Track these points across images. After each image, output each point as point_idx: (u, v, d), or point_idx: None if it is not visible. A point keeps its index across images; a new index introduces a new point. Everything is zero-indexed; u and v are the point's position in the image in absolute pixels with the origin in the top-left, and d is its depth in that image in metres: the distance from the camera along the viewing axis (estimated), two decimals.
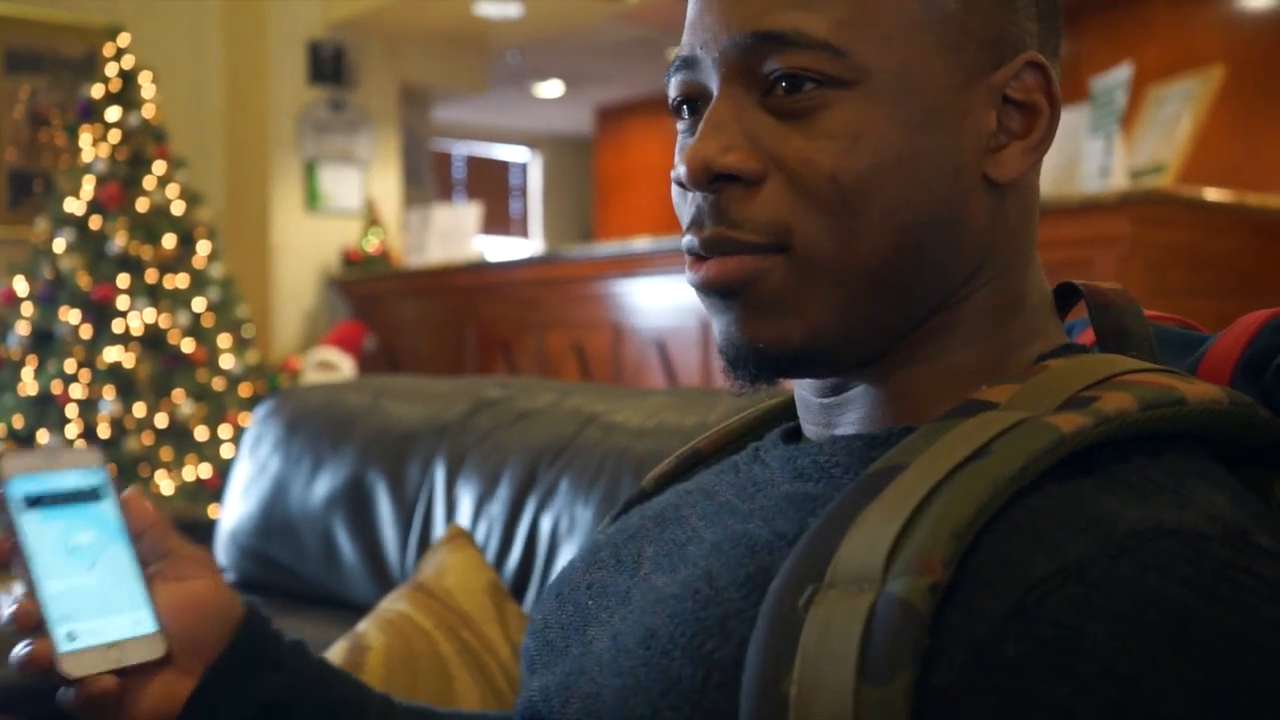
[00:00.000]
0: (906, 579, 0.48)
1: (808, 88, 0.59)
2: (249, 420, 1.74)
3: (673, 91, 0.66)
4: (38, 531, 0.65)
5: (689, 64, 0.64)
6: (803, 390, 0.69)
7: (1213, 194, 3.01)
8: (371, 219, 6.07)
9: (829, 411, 0.67)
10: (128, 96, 4.61)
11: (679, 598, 0.59)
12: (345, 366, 5.15)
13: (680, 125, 0.67)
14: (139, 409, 4.32)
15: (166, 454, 4.37)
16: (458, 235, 5.85)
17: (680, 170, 0.62)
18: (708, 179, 0.61)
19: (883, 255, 0.60)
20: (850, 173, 0.59)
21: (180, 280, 4.55)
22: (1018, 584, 0.48)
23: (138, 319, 4.39)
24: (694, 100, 0.65)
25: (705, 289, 0.63)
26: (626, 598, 0.66)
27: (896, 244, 0.60)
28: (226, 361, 4.60)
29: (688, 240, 0.64)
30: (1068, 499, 0.51)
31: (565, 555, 1.30)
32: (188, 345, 4.49)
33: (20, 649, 0.65)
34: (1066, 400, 0.55)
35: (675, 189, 0.66)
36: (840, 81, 0.59)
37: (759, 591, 0.55)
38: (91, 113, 4.57)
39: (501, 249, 9.13)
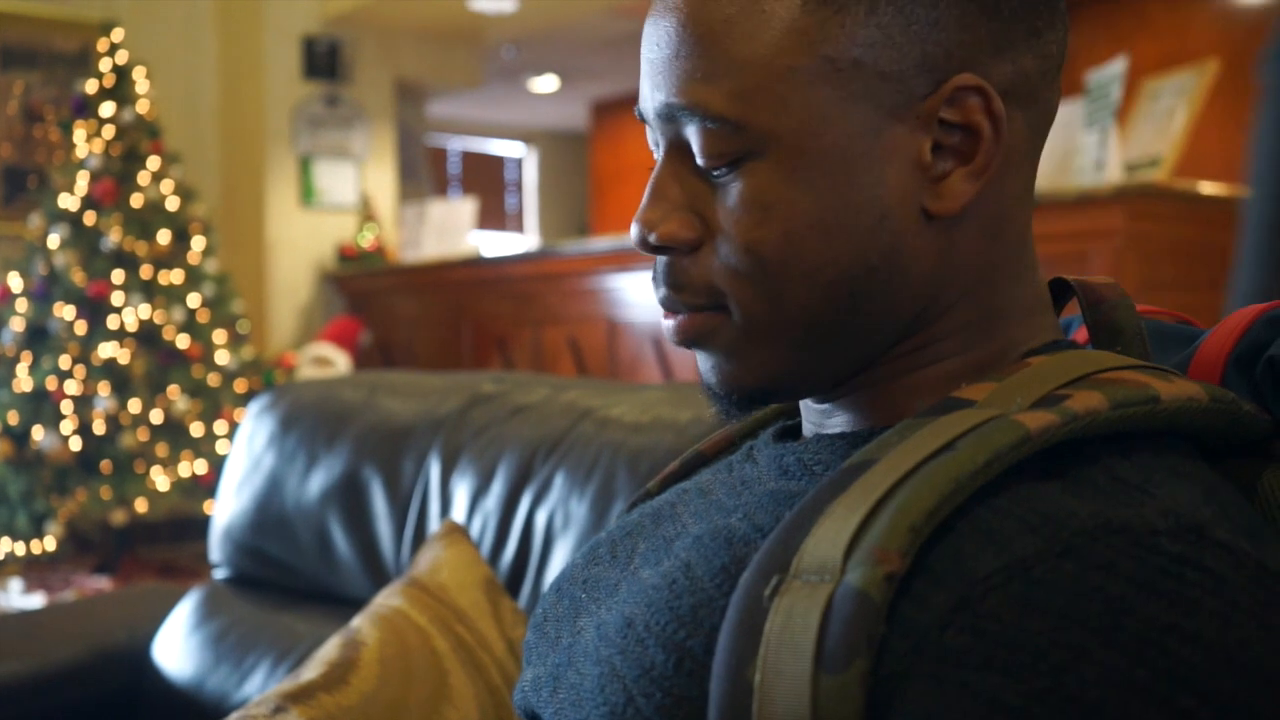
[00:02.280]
0: (864, 569, 0.49)
1: (720, 169, 0.61)
2: (243, 416, 1.74)
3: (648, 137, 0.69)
4: None
5: (642, 114, 0.66)
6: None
7: (1207, 187, 3.01)
8: (367, 214, 6.06)
9: (824, 413, 0.68)
10: (122, 92, 4.60)
11: (658, 588, 0.61)
12: (340, 362, 5.14)
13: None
14: (134, 405, 4.32)
15: (162, 450, 4.37)
16: (453, 230, 5.84)
17: (631, 233, 0.65)
18: (647, 248, 0.64)
19: (812, 311, 0.61)
20: (764, 244, 0.60)
21: (175, 276, 4.54)
22: (964, 579, 0.49)
23: (132, 315, 4.38)
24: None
25: (673, 342, 0.67)
26: (615, 589, 0.68)
27: (823, 298, 0.61)
28: (222, 357, 4.60)
29: (654, 289, 0.67)
30: (1028, 499, 0.52)
31: (560, 550, 1.30)
32: (183, 341, 4.48)
33: None
34: (1039, 399, 0.56)
35: None
36: (747, 154, 0.60)
37: (732, 582, 0.57)
38: (85, 108, 4.57)
39: (497, 244, 9.13)
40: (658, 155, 0.65)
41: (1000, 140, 0.60)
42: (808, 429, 0.69)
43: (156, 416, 4.37)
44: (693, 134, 0.61)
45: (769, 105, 0.59)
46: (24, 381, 4.33)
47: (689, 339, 0.65)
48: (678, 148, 0.63)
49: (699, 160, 0.62)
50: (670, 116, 0.62)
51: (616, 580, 0.68)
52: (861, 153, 0.59)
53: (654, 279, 0.66)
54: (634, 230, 0.64)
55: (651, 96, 0.63)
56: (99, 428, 4.27)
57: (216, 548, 1.70)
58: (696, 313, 0.64)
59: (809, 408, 0.69)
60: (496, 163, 10.26)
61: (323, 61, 6.01)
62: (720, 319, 0.63)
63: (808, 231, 0.60)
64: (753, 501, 0.64)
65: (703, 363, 0.66)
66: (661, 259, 0.64)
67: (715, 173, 0.61)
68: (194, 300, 4.56)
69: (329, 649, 1.20)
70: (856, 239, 0.60)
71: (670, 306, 0.65)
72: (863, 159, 0.59)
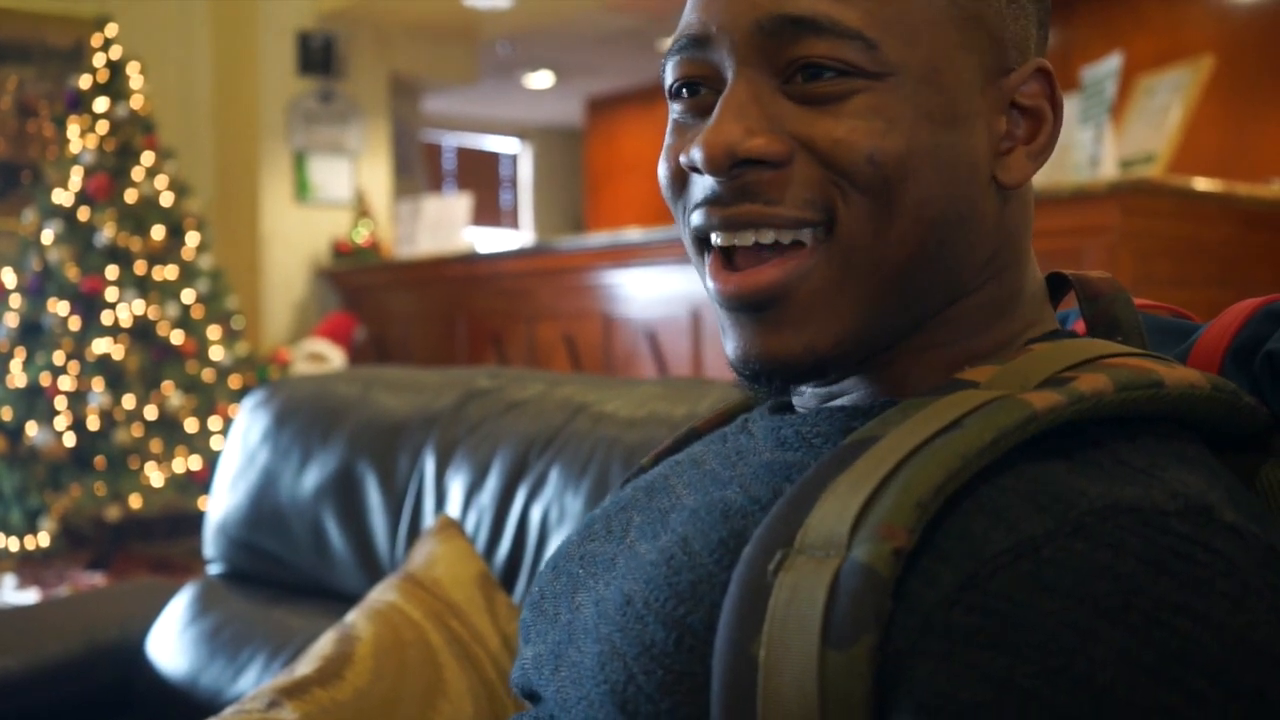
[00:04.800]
0: (870, 545, 0.49)
1: (833, 75, 0.59)
2: (238, 411, 1.73)
3: (675, 72, 0.65)
4: None
5: (699, 43, 0.63)
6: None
7: (1202, 184, 3.01)
8: (361, 210, 6.05)
9: (820, 396, 0.68)
10: (116, 87, 4.59)
11: (655, 563, 0.60)
12: (335, 358, 5.14)
13: (677, 107, 0.66)
14: (128, 401, 4.31)
15: (156, 446, 4.36)
16: (448, 226, 5.84)
17: (696, 155, 0.60)
18: (730, 164, 0.60)
19: (909, 249, 0.60)
20: (887, 153, 0.59)
21: (169, 271, 4.54)
22: (972, 557, 0.49)
23: (126, 310, 4.38)
24: (697, 83, 0.64)
25: (740, 298, 0.62)
26: (612, 564, 0.67)
27: (922, 239, 0.60)
28: (216, 353, 4.59)
29: (701, 218, 0.63)
30: (1036, 478, 0.52)
31: (555, 545, 1.29)
32: (177, 337, 4.48)
33: None
34: (1044, 380, 0.56)
35: (667, 172, 0.65)
36: (868, 73, 0.59)
37: (731, 556, 0.56)
38: (79, 104, 4.56)
39: (492, 240, 9.12)
40: (728, 71, 0.61)
41: (1057, 128, 0.64)
42: (801, 407, 0.69)
43: (151, 412, 4.36)
44: (807, 49, 0.59)
45: (903, 33, 0.59)
46: (18, 377, 4.32)
47: (774, 287, 0.60)
48: (762, 67, 0.60)
49: (810, 72, 0.59)
50: (777, 30, 0.59)
51: (613, 555, 0.68)
52: (965, 102, 0.61)
53: (712, 199, 0.62)
54: (701, 152, 0.60)
55: (750, 8, 0.60)
56: (93, 423, 4.27)
57: (211, 543, 1.69)
58: (787, 252, 0.60)
59: (804, 391, 0.68)
60: (491, 159, 10.25)
61: (317, 57, 6.00)
62: (814, 256, 0.60)
63: (925, 157, 0.59)
64: (749, 473, 0.63)
65: (756, 336, 0.62)
66: (725, 182, 0.60)
67: (820, 87, 0.59)
68: (188, 296, 4.55)
69: (324, 644, 1.20)
70: (956, 182, 0.61)
71: (749, 224, 0.61)
72: (965, 108, 0.61)
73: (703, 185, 0.62)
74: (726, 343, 0.64)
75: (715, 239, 0.63)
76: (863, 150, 0.58)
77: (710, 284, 0.63)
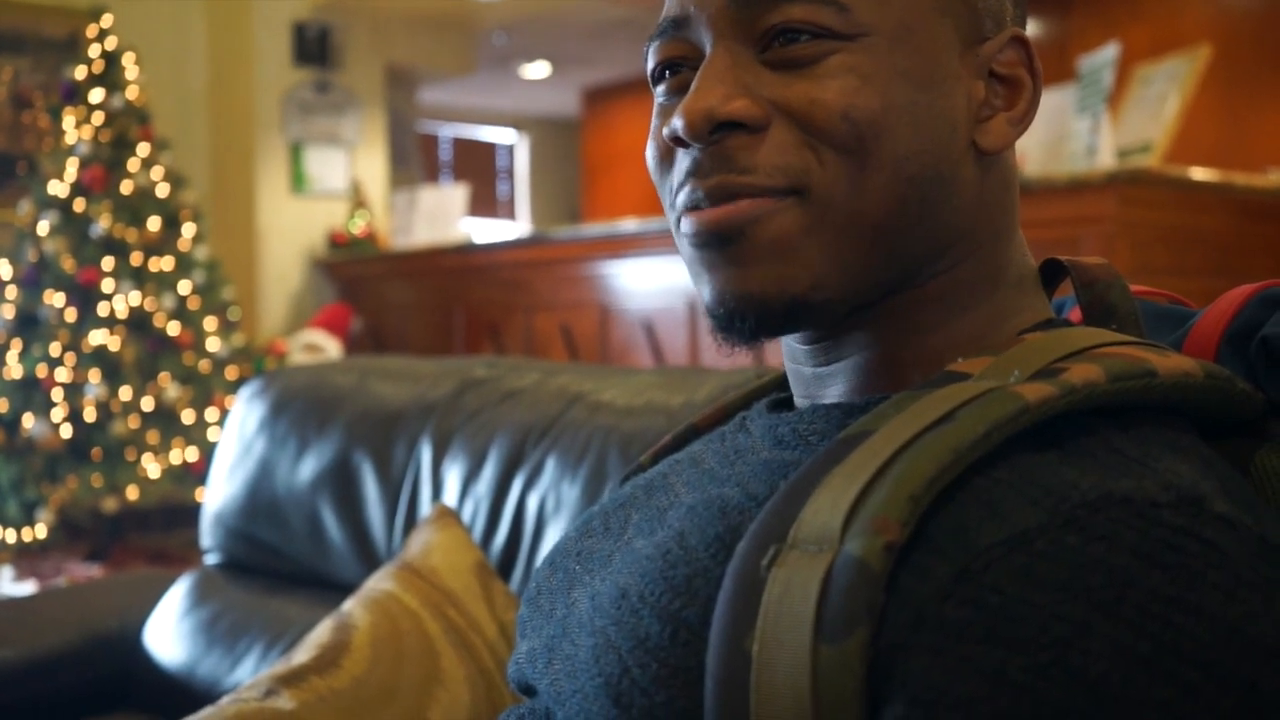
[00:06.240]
0: (863, 539, 0.49)
1: (808, 38, 0.60)
2: (234, 402, 1.73)
3: (657, 56, 0.66)
4: None
5: (679, 24, 0.64)
6: (795, 364, 0.69)
7: (1199, 173, 3.01)
8: (358, 201, 6.05)
9: (820, 382, 0.67)
10: (111, 78, 4.58)
11: (652, 558, 0.61)
12: (332, 349, 5.13)
13: (660, 90, 0.67)
14: (125, 392, 4.31)
15: (153, 437, 4.36)
16: (444, 217, 5.83)
17: (677, 123, 0.61)
18: (709, 129, 0.60)
19: (889, 205, 0.60)
20: (862, 110, 0.59)
21: (165, 263, 4.53)
22: (965, 550, 0.49)
23: (123, 302, 4.37)
24: (679, 63, 0.65)
25: (706, 233, 0.61)
26: (609, 561, 0.67)
27: (903, 195, 0.61)
28: (212, 344, 4.59)
29: (687, 195, 0.63)
30: (1029, 470, 0.52)
31: (552, 533, 1.30)
32: (173, 328, 4.47)
33: None
34: (1036, 371, 0.56)
35: (654, 154, 0.66)
36: (842, 35, 0.60)
37: (727, 551, 0.56)
38: (74, 94, 4.55)
39: (488, 231, 9.12)
40: (706, 47, 0.62)
41: (1037, 96, 0.65)
42: (800, 401, 0.69)
43: (147, 403, 4.36)
44: (780, 16, 0.60)
45: None
46: (14, 369, 4.31)
47: (740, 221, 0.60)
48: (739, 39, 0.62)
49: (785, 37, 0.60)
50: (750, 2, 0.60)
51: (610, 551, 0.68)
52: (942, 64, 0.62)
53: (695, 171, 0.62)
54: (682, 120, 0.60)
55: None
56: (90, 415, 4.26)
57: (208, 533, 1.69)
58: (758, 197, 0.60)
59: (805, 378, 0.68)
60: (488, 149, 10.24)
61: (313, 47, 5.99)
62: (787, 203, 0.60)
63: (902, 113, 0.60)
64: (747, 471, 0.63)
65: (732, 273, 0.61)
66: (711, 149, 0.61)
67: (795, 50, 0.60)
68: (184, 287, 4.55)
69: (320, 632, 1.20)
70: (935, 142, 0.61)
71: (727, 195, 0.61)
72: (942, 71, 0.62)
73: (684, 160, 0.63)
74: (703, 290, 0.64)
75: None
76: (838, 108, 0.59)
77: (683, 231, 0.63)
